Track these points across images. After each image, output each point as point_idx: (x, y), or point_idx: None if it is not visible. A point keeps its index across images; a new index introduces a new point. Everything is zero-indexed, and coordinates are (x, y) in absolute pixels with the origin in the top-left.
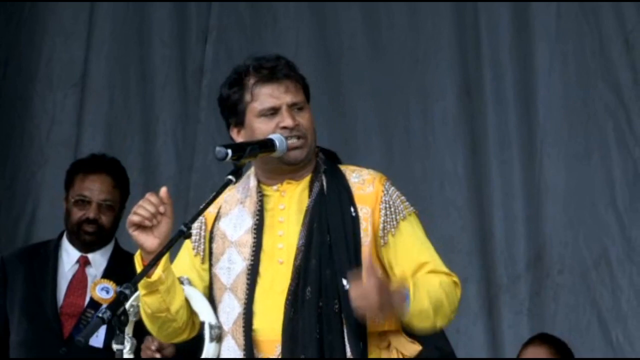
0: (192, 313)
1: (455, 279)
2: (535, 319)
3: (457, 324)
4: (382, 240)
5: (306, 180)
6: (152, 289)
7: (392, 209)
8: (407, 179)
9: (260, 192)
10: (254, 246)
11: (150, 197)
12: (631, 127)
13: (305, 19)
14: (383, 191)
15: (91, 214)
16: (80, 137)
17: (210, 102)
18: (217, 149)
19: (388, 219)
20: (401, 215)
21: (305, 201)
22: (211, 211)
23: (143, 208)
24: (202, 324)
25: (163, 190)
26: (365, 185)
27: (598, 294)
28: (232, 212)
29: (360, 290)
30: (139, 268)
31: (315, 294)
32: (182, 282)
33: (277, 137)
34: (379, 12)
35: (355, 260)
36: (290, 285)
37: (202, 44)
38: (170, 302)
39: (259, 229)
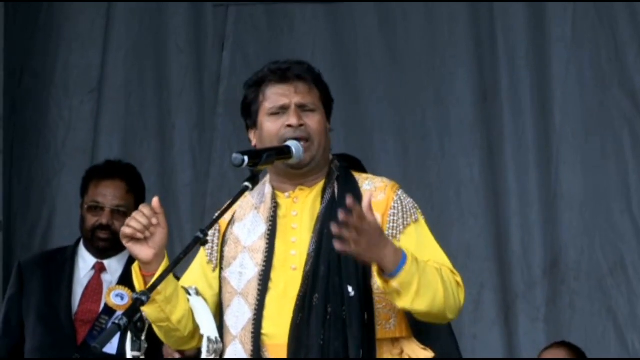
0: None
1: (459, 279)
2: (551, 326)
3: (473, 329)
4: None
5: (319, 187)
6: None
7: (400, 215)
8: (423, 185)
9: (274, 199)
10: (266, 252)
11: (142, 209)
12: None
13: (322, 25)
14: (394, 199)
15: (104, 220)
16: (97, 143)
17: (227, 108)
18: (234, 155)
19: (394, 225)
20: (408, 220)
21: (317, 208)
22: (225, 217)
23: (135, 220)
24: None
25: (155, 201)
26: (377, 193)
27: (614, 300)
28: (246, 217)
29: (358, 210)
30: (136, 279)
31: (323, 300)
32: (188, 293)
33: (293, 144)
34: (395, 18)
35: (362, 266)
36: (300, 291)
37: (218, 51)
38: (171, 312)
39: (271, 236)
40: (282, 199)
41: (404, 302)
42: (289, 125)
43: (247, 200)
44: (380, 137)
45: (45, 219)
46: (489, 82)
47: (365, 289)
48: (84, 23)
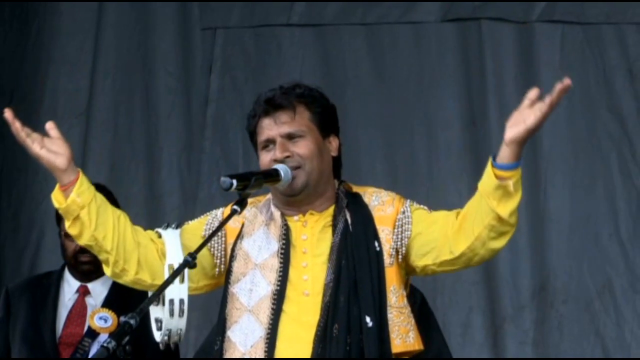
0: (138, 249)
1: None
2: (539, 349)
3: (461, 353)
4: (402, 242)
5: (328, 213)
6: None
7: (407, 214)
8: None
9: (284, 219)
10: (280, 271)
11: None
12: (634, 157)
13: (310, 48)
14: (402, 209)
15: None
16: (85, 167)
17: (215, 131)
18: (222, 179)
19: (404, 221)
20: (412, 209)
21: (328, 234)
22: (232, 225)
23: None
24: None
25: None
26: (386, 206)
27: (602, 324)
28: (256, 233)
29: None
30: (55, 200)
31: (344, 331)
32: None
33: (282, 167)
34: (383, 41)
35: (379, 296)
36: (320, 321)
37: (206, 74)
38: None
39: (285, 255)
40: (292, 221)
41: (511, 205)
42: (275, 160)
43: (255, 215)
44: (369, 160)
45: (34, 243)
46: (477, 106)
47: (381, 319)
48: (72, 47)
